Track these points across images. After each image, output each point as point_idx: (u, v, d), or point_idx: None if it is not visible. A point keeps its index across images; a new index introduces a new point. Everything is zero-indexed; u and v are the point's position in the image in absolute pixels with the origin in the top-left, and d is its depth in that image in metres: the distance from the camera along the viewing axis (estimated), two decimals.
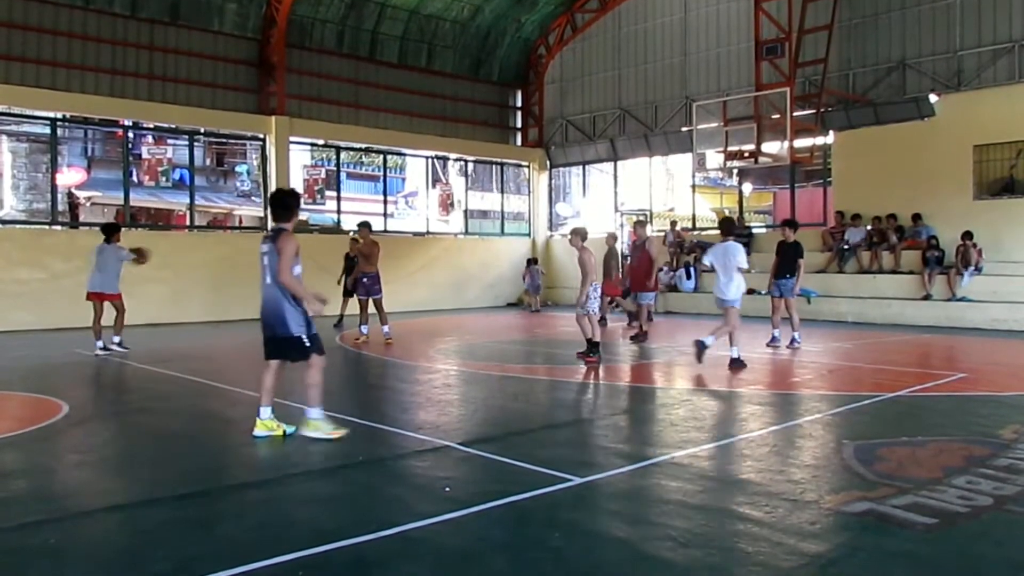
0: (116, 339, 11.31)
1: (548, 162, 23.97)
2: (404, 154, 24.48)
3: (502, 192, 24.04)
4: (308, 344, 5.81)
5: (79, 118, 17.16)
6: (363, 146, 21.69)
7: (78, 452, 5.74)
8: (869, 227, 16.98)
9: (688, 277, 19.13)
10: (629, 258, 14.27)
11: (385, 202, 22.22)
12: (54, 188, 17.15)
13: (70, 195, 22.46)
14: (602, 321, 13.83)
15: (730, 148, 16.96)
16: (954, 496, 4.29)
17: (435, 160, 24.50)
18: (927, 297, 15.26)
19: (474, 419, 6.90)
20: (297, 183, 20.13)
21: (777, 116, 16.06)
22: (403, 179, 30.90)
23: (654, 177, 23.57)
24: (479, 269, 21.80)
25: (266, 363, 5.95)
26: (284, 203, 5.90)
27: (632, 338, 12.53)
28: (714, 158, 17.98)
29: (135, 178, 20.19)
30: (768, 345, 11.32)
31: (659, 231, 21.72)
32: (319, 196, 20.54)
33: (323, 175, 21.04)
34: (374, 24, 20.14)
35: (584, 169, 24.13)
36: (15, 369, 9.83)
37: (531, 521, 4.08)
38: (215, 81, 17.79)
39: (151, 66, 16.93)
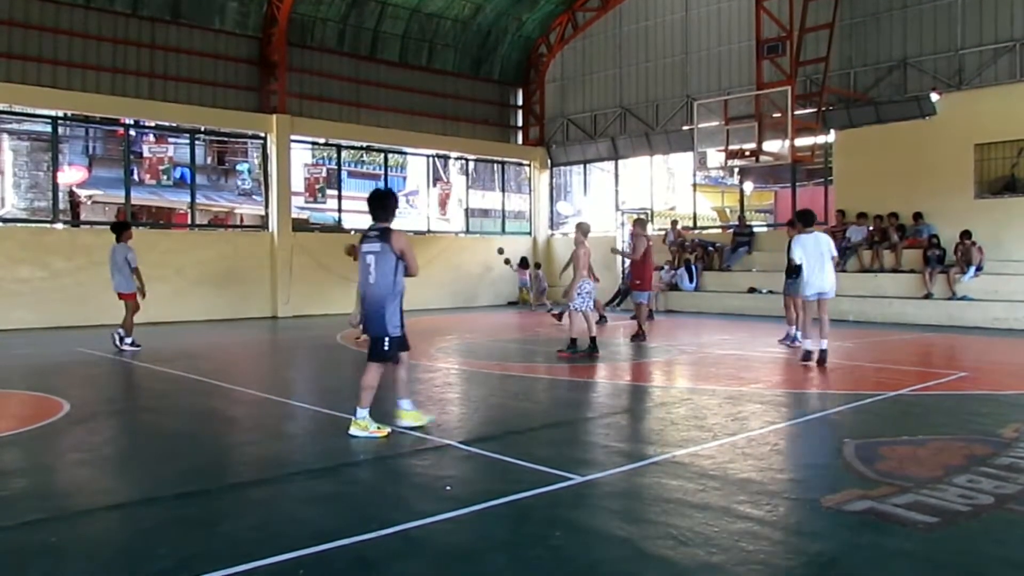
0: (128, 339, 11.37)
1: (549, 161, 23.96)
2: (405, 153, 24.47)
3: (503, 191, 24.03)
4: (387, 348, 5.91)
5: (80, 116, 17.15)
6: (364, 145, 21.67)
7: (79, 451, 5.74)
8: (871, 227, 16.95)
9: (689, 277, 19.12)
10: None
11: None
12: (55, 186, 17.15)
13: (71, 194, 22.45)
14: (602, 320, 13.81)
15: (731, 147, 16.93)
16: (955, 495, 4.29)
17: (436, 159, 24.50)
18: (928, 296, 15.25)
19: (474, 418, 6.90)
20: (297, 182, 20.13)
21: (778, 115, 16.04)
22: (404, 178, 30.89)
23: (655, 176, 23.54)
24: (480, 268, 21.80)
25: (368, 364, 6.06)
26: (384, 203, 6.02)
27: (632, 337, 12.55)
28: (715, 157, 17.95)
29: (136, 176, 20.18)
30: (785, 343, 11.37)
31: (660, 230, 21.75)
32: (320, 195, 20.53)
33: (324, 174, 21.03)
34: (375, 23, 20.14)
35: (585, 168, 24.11)
36: (16, 368, 9.84)
37: (532, 520, 4.08)
38: (216, 80, 17.79)
39: (152, 64, 16.93)
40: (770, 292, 17.32)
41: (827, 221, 18.23)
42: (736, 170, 21.61)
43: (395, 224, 6.05)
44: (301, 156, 20.62)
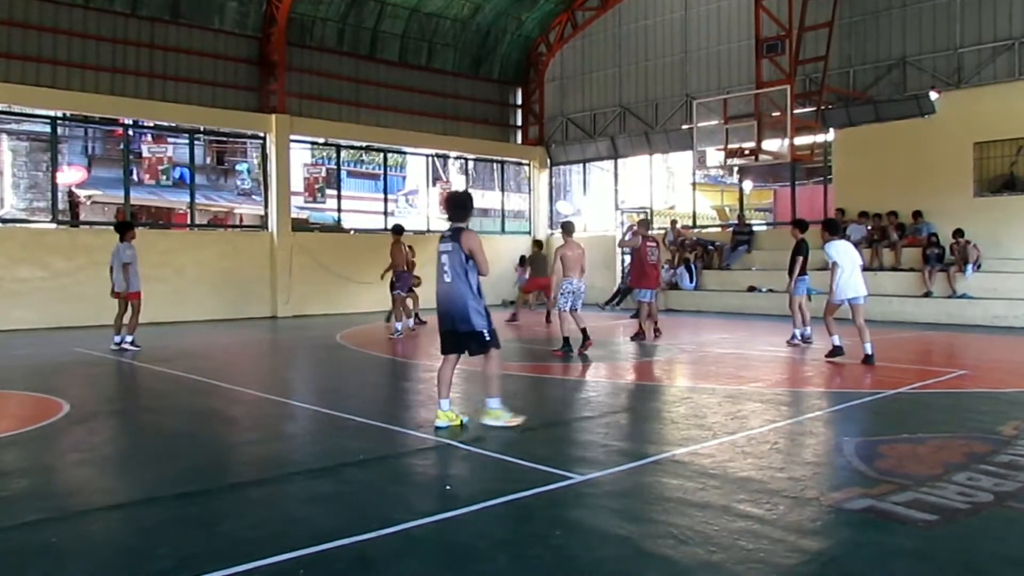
0: (128, 338, 11.38)
1: (548, 160, 23.96)
2: (404, 152, 24.47)
3: (502, 190, 24.02)
4: (488, 338, 6.05)
5: (79, 116, 17.15)
6: (363, 144, 21.66)
7: (79, 451, 5.74)
8: (870, 226, 16.96)
9: (689, 276, 19.13)
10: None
11: (386, 200, 22.22)
12: (54, 187, 17.14)
13: (70, 194, 22.45)
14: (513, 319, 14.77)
15: (731, 146, 16.92)
16: (954, 493, 4.29)
17: (435, 158, 24.49)
18: (928, 294, 15.27)
19: (474, 417, 6.90)
20: (297, 181, 20.13)
21: (777, 114, 16.04)
22: (403, 177, 30.89)
23: (655, 175, 23.53)
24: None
25: (444, 357, 6.20)
26: (460, 204, 6.18)
27: (632, 336, 12.58)
28: (715, 156, 17.95)
29: (135, 176, 20.18)
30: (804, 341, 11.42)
31: (660, 229, 21.74)
32: (319, 195, 20.53)
33: (323, 173, 21.02)
34: (374, 22, 20.13)
35: (584, 167, 24.11)
36: (16, 368, 9.84)
37: (532, 519, 4.09)
38: (215, 79, 17.78)
39: (151, 64, 16.93)
40: (770, 291, 17.33)
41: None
42: (735, 169, 21.61)
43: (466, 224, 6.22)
44: (300, 156, 20.62)
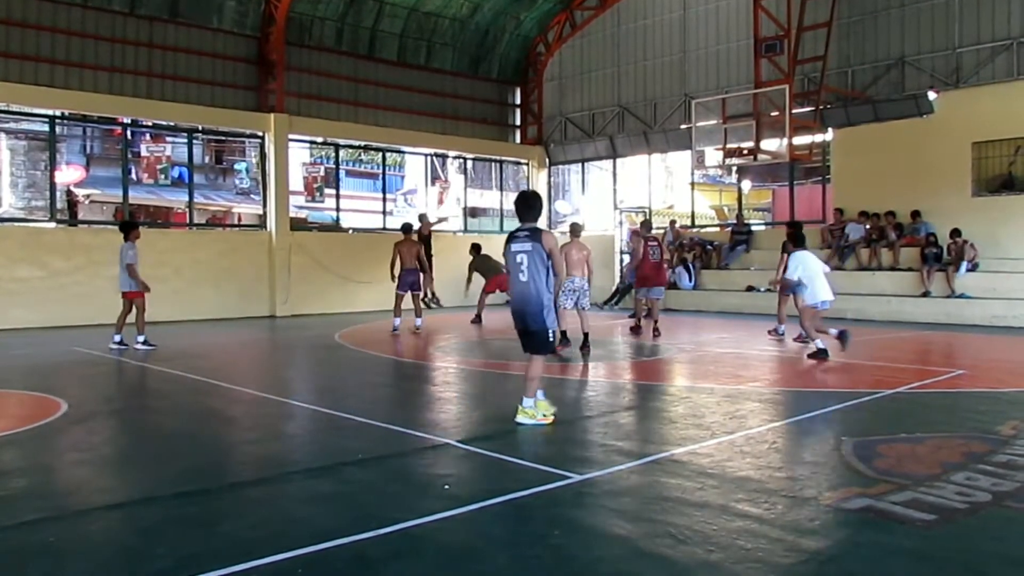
0: (140, 338, 11.34)
1: (547, 160, 23.95)
2: (403, 152, 24.47)
3: (501, 190, 24.01)
4: (552, 340, 6.15)
5: (78, 116, 17.12)
6: (362, 144, 21.66)
7: (77, 450, 5.74)
8: (868, 226, 16.98)
9: (688, 276, 19.14)
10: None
11: (384, 200, 22.22)
12: (53, 186, 17.13)
13: (69, 193, 22.44)
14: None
15: (729, 145, 16.93)
16: (953, 492, 4.30)
17: (434, 158, 24.50)
18: (926, 294, 15.28)
19: (473, 416, 6.91)
20: (296, 181, 20.12)
21: (776, 113, 16.04)
22: (402, 177, 30.91)
23: (653, 174, 23.54)
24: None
25: (529, 355, 6.27)
26: (530, 204, 6.26)
27: (631, 329, 12.88)
28: (713, 155, 17.96)
29: (134, 176, 20.18)
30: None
31: (659, 228, 21.75)
32: (318, 194, 20.53)
33: (322, 173, 21.03)
34: (373, 21, 20.12)
35: (583, 167, 24.10)
36: (14, 367, 9.83)
37: (531, 518, 4.09)
38: (214, 79, 17.76)
39: (150, 63, 16.91)
40: (768, 290, 17.31)
41: (825, 219, 18.28)
42: (734, 169, 21.61)
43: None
44: (299, 155, 20.62)
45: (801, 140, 17.10)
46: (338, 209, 20.80)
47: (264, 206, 18.80)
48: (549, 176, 24.30)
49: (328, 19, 19.36)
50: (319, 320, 16.71)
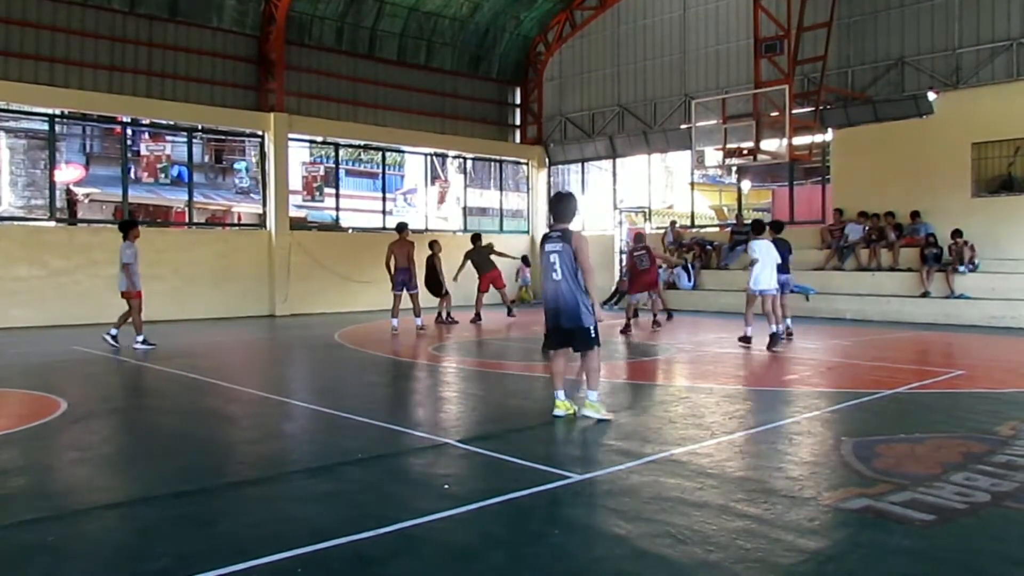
0: (139, 338, 11.30)
1: (547, 159, 23.96)
2: (403, 151, 24.45)
3: (501, 189, 24.01)
4: (594, 336, 6.23)
5: (77, 114, 17.12)
6: (362, 143, 21.65)
7: (76, 449, 5.73)
8: (868, 226, 16.98)
9: (687, 275, 19.14)
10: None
11: (384, 199, 22.21)
12: (52, 185, 17.12)
13: (68, 192, 22.43)
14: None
15: (729, 145, 16.93)
16: (952, 492, 4.30)
17: (434, 157, 24.48)
18: (925, 294, 15.28)
19: (472, 416, 6.91)
20: (295, 180, 20.11)
21: (776, 113, 16.04)
22: (402, 176, 30.89)
23: (653, 174, 23.55)
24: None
25: (553, 352, 6.49)
26: (564, 204, 6.36)
27: (621, 330, 13.27)
28: (713, 155, 17.97)
29: (134, 175, 20.17)
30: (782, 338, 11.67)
31: (659, 228, 21.79)
32: (318, 193, 20.53)
33: (322, 172, 21.03)
34: (373, 21, 20.11)
35: (583, 166, 24.10)
36: (13, 366, 9.83)
37: (530, 518, 4.09)
38: (214, 78, 17.76)
39: (150, 62, 16.90)
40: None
41: (824, 220, 18.29)
42: (734, 169, 21.60)
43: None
44: (299, 154, 20.61)
45: (801, 140, 17.10)
46: (338, 208, 20.81)
47: (264, 205, 18.80)
48: (549, 176, 24.30)
49: (328, 18, 19.36)
50: (318, 319, 16.70)
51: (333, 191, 20.52)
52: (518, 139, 23.93)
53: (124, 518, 4.21)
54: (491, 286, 16.16)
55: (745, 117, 16.69)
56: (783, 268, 11.65)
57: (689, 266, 19.23)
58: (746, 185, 24.97)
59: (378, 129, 20.31)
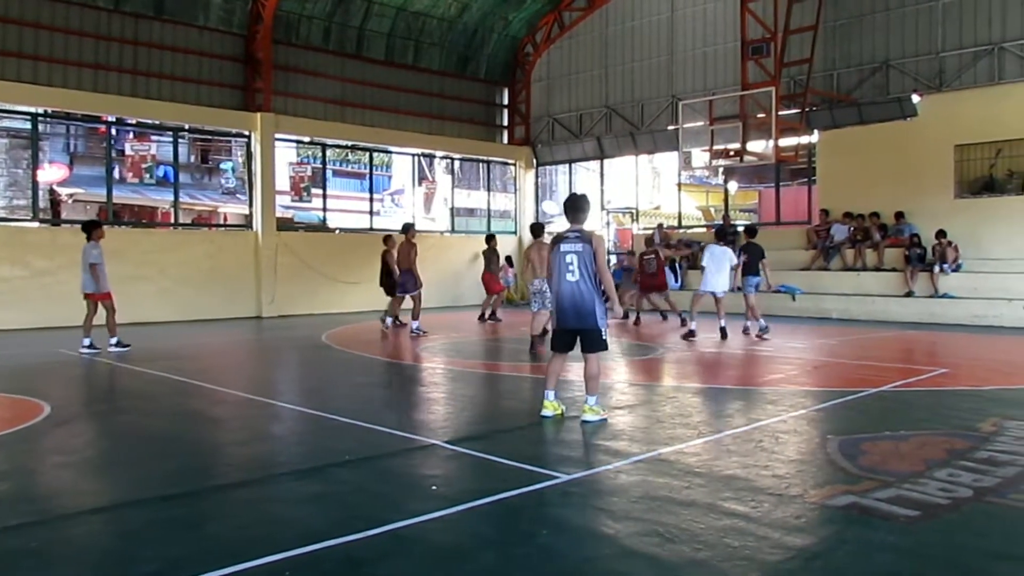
0: (112, 340, 11.12)
1: (535, 160, 23.98)
2: (390, 152, 24.42)
3: (488, 190, 24.01)
4: (604, 338, 6.24)
5: (61, 113, 16.98)
6: (349, 143, 21.60)
7: (61, 453, 5.69)
8: (853, 227, 17.10)
9: (675, 276, 19.19)
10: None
11: (371, 200, 22.17)
12: (35, 185, 16.98)
13: (52, 192, 22.25)
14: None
15: (716, 147, 17.02)
16: (936, 489, 4.35)
17: (421, 158, 24.46)
18: (910, 294, 15.41)
19: (461, 417, 6.90)
20: (283, 180, 20.02)
21: (763, 115, 16.13)
22: (389, 177, 30.83)
23: (640, 175, 23.63)
24: (465, 267, 21.77)
25: (554, 353, 6.45)
26: (580, 206, 6.38)
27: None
28: (700, 156, 18.05)
29: (118, 175, 20.02)
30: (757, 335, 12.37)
31: (646, 229, 21.86)
32: (305, 194, 20.45)
33: (309, 172, 20.95)
34: (361, 21, 20.07)
35: (571, 167, 24.15)
36: None
37: (519, 518, 4.10)
38: (200, 77, 17.66)
39: (135, 61, 16.79)
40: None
41: (810, 220, 18.41)
42: (721, 170, 21.74)
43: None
44: (286, 154, 20.52)
45: (787, 142, 17.21)
46: (325, 209, 20.74)
47: (250, 206, 18.71)
48: (536, 177, 24.33)
49: (316, 18, 19.30)
50: (306, 321, 16.64)
51: (320, 192, 20.46)
52: (506, 140, 23.94)
53: (110, 522, 4.17)
54: (485, 286, 16.27)
55: (732, 119, 16.78)
56: (753, 271, 12.46)
57: (676, 266, 19.29)
58: (733, 186, 25.09)
59: (365, 129, 20.26)
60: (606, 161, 22.78)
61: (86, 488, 4.86)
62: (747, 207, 30.82)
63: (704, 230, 22.69)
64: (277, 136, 18.51)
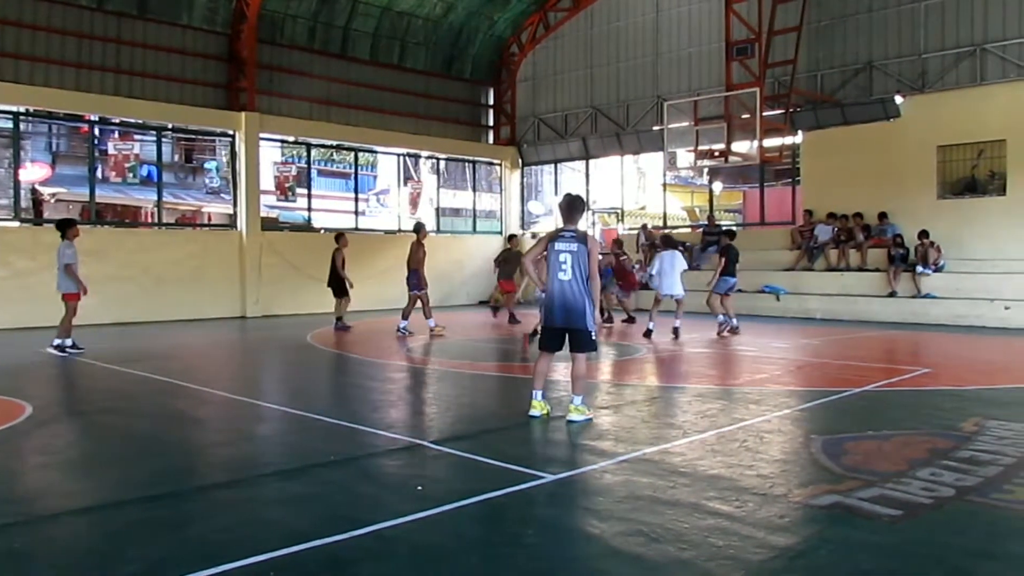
0: (63, 341, 10.81)
1: (520, 160, 23.98)
2: (375, 151, 24.34)
3: (474, 190, 23.99)
4: (594, 338, 6.26)
5: (43, 112, 16.81)
6: (334, 143, 21.52)
7: (43, 454, 5.63)
8: (836, 227, 17.22)
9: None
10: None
11: (356, 200, 22.08)
12: (17, 184, 16.80)
13: (34, 191, 22.02)
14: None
15: (701, 147, 17.10)
16: (918, 488, 4.38)
17: (407, 158, 24.40)
18: (892, 294, 15.54)
19: (446, 417, 6.90)
20: (267, 180, 19.92)
21: (747, 116, 16.22)
22: (374, 177, 30.74)
23: (626, 175, 23.69)
24: (451, 267, 21.73)
25: (542, 352, 6.45)
26: (575, 207, 6.47)
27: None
28: (685, 157, 18.13)
29: (101, 174, 19.83)
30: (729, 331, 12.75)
31: (631, 229, 21.93)
32: (290, 193, 20.35)
33: (294, 172, 20.85)
34: (346, 20, 20.00)
35: (556, 167, 24.18)
36: None
37: (504, 518, 4.10)
38: (184, 76, 17.53)
39: (118, 60, 16.65)
40: (739, 290, 17.49)
41: (794, 221, 18.52)
42: (705, 170, 21.84)
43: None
44: (270, 154, 20.42)
45: (771, 142, 17.32)
46: (310, 209, 20.66)
47: (235, 206, 18.60)
48: (522, 177, 24.33)
49: (300, 17, 19.21)
50: (290, 321, 16.57)
51: (305, 191, 20.35)
52: (491, 140, 23.93)
53: (93, 523, 4.14)
54: (505, 287, 16.23)
55: (717, 119, 16.87)
56: (730, 272, 12.82)
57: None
58: (718, 186, 25.22)
59: (350, 129, 20.19)
60: (591, 161, 22.82)
61: (69, 489, 4.81)
62: (732, 207, 30.95)
63: (689, 230, 22.80)
64: (262, 135, 18.42)
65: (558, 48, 22.63)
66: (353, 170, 23.13)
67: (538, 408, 6.37)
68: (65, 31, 15.95)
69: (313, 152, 21.68)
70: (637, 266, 19.51)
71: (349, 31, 20.17)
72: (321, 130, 19.84)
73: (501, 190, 24.23)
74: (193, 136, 21.75)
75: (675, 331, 12.29)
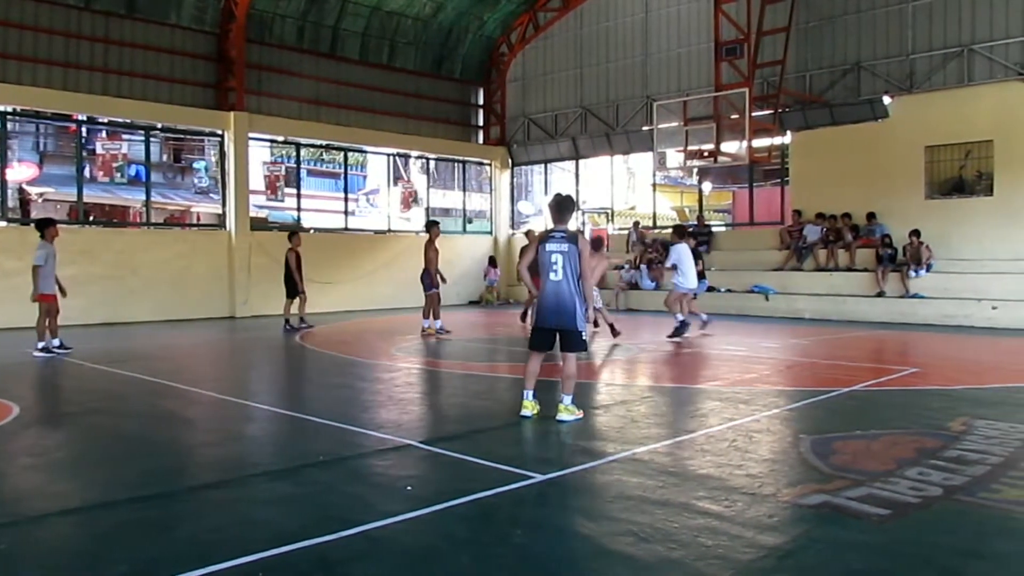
0: (40, 344, 10.70)
1: (510, 160, 23.99)
2: (365, 151, 24.28)
3: (464, 190, 23.98)
4: (584, 339, 6.29)
5: (30, 112, 16.69)
6: (324, 143, 21.45)
7: (30, 455, 5.59)
8: (825, 227, 17.30)
9: (651, 277, 19.30)
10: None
11: (346, 199, 22.03)
12: (4, 184, 16.64)
13: (21, 191, 21.86)
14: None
15: (690, 147, 17.15)
16: (906, 487, 4.41)
17: (397, 157, 24.35)
18: (881, 294, 15.62)
19: (436, 417, 6.89)
20: (256, 180, 19.83)
21: (736, 116, 16.28)
22: (364, 176, 30.67)
23: (615, 175, 23.72)
24: (441, 267, 21.64)
25: (532, 352, 6.47)
26: (565, 207, 6.46)
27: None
28: (674, 157, 18.17)
29: (89, 174, 19.70)
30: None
31: (621, 229, 21.95)
32: (279, 193, 20.27)
33: (283, 172, 20.77)
34: (335, 20, 19.95)
35: (546, 167, 24.18)
36: None
37: (494, 518, 4.10)
38: (172, 75, 17.44)
39: (106, 59, 16.54)
40: (728, 291, 17.60)
41: (783, 221, 18.60)
42: (695, 170, 21.88)
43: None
44: (259, 154, 20.33)
45: (760, 142, 17.38)
46: (299, 209, 20.59)
47: (223, 205, 18.51)
48: (512, 177, 24.33)
49: (289, 16, 19.15)
50: (279, 321, 16.49)
51: (294, 191, 20.28)
52: (481, 140, 23.93)
53: (81, 524, 4.12)
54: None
55: (706, 119, 16.92)
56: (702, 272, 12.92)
57: (651, 266, 19.40)
58: (707, 186, 25.27)
59: (340, 129, 20.14)
60: (581, 161, 22.85)
61: (56, 490, 4.77)
62: (721, 207, 31.06)
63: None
64: (250, 135, 18.34)
65: (548, 48, 22.64)
66: (343, 170, 23.07)
67: (529, 408, 6.38)
68: (53, 30, 15.84)
69: (302, 152, 21.61)
70: (626, 266, 19.60)
71: (338, 31, 20.12)
72: (310, 130, 19.79)
73: (491, 190, 24.22)
74: (182, 136, 21.63)
75: (683, 326, 12.06)
